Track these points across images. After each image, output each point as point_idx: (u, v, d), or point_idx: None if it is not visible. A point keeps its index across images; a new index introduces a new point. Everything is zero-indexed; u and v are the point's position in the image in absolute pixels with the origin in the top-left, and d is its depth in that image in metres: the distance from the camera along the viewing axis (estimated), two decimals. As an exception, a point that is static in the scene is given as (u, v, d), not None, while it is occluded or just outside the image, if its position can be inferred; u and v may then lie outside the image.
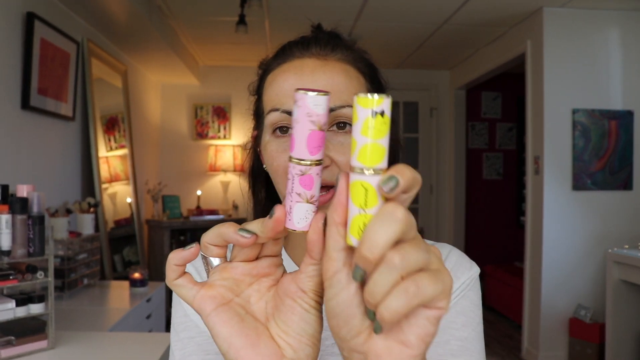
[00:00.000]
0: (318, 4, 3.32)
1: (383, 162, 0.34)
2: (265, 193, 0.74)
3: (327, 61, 0.63)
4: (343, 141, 0.60)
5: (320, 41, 0.64)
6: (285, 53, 0.66)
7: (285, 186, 0.60)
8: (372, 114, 0.34)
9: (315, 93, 0.36)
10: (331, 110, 0.60)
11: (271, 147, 0.63)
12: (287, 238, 0.74)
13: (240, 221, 4.57)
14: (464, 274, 0.73)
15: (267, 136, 0.64)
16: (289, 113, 0.60)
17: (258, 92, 0.70)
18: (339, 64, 0.63)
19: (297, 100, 0.36)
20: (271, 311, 0.42)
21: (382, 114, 0.34)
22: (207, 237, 0.41)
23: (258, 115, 0.70)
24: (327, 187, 0.60)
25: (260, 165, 0.72)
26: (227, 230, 0.39)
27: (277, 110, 0.61)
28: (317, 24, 0.73)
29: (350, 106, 0.60)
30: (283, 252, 0.73)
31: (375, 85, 0.67)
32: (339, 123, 0.61)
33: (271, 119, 0.62)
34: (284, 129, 0.62)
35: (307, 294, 0.40)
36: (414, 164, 5.25)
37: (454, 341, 0.67)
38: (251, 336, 0.40)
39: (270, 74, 0.66)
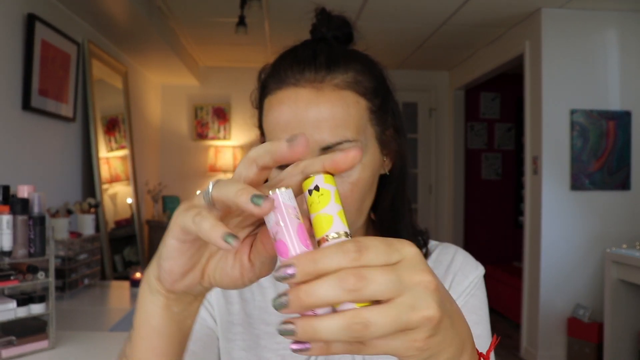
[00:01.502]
0: (317, 5, 3.33)
1: (334, 227, 0.35)
2: None
3: (323, 91, 0.59)
4: (343, 175, 0.59)
5: (317, 61, 0.61)
6: (280, 75, 0.62)
7: None
8: (308, 193, 0.36)
9: (283, 189, 0.35)
10: (327, 147, 0.58)
11: (272, 174, 0.62)
12: None
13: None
14: (471, 272, 0.75)
15: None
16: None
17: (260, 104, 0.67)
18: (335, 93, 0.59)
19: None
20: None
21: (316, 188, 0.36)
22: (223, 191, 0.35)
23: (262, 124, 0.68)
24: None
25: None
26: (238, 197, 0.34)
27: None
28: (322, 9, 0.69)
29: (348, 141, 0.59)
30: None
31: (379, 97, 0.64)
32: None
33: None
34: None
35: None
36: (413, 164, 5.26)
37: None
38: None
39: (268, 97, 0.63)
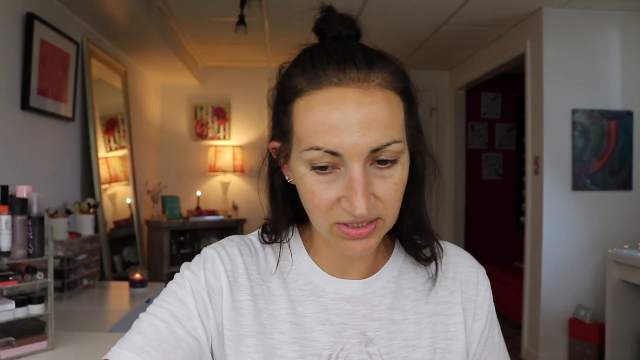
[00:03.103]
0: (317, 4, 3.32)
1: None
2: (281, 199, 0.70)
3: (369, 90, 0.57)
4: (386, 175, 0.59)
5: (357, 61, 0.58)
6: (317, 74, 0.58)
7: (325, 220, 0.61)
8: None
9: None
10: (377, 149, 0.57)
11: (309, 181, 0.60)
12: (312, 243, 0.71)
13: (240, 222, 4.58)
14: (484, 278, 0.76)
15: (302, 168, 0.60)
16: (332, 153, 0.57)
17: (284, 109, 0.63)
18: (380, 92, 0.58)
19: None
20: None
21: None
22: None
23: (282, 131, 0.64)
24: (369, 221, 0.60)
25: (279, 178, 0.69)
26: None
27: (319, 149, 0.57)
28: (329, 7, 0.67)
29: (395, 142, 0.58)
30: (309, 258, 0.71)
31: (409, 97, 0.63)
32: (380, 160, 0.58)
33: (310, 156, 0.58)
34: (324, 167, 0.58)
35: None
36: (413, 164, 5.24)
37: (501, 355, 0.75)
38: None
39: (304, 98, 0.59)
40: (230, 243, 0.71)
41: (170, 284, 0.69)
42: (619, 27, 3.38)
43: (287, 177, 0.67)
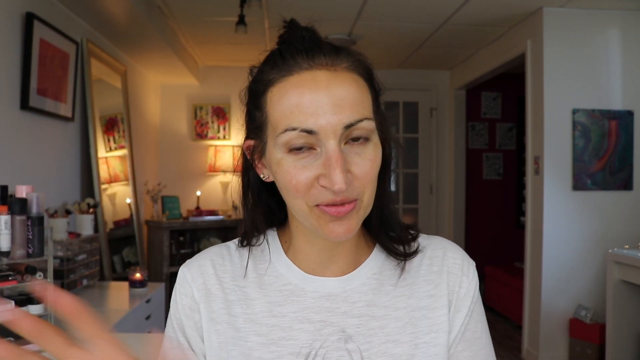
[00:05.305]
0: (317, 4, 3.32)
1: None
2: (252, 201, 0.72)
3: (337, 72, 0.60)
4: (360, 152, 0.61)
5: (323, 48, 0.62)
6: (288, 63, 0.61)
7: (305, 203, 0.61)
8: None
9: None
10: (350, 125, 0.59)
11: (287, 164, 0.61)
12: (291, 243, 0.72)
13: (240, 222, 4.57)
14: (469, 271, 0.73)
15: (279, 153, 0.61)
16: (308, 132, 0.58)
17: (257, 103, 0.66)
18: (348, 74, 0.61)
19: None
20: None
21: None
22: None
23: (256, 126, 0.67)
24: (346, 203, 0.60)
25: (253, 176, 0.71)
26: None
27: (294, 129, 0.59)
28: (291, 20, 0.69)
29: (368, 119, 0.60)
30: (287, 259, 0.71)
31: (373, 86, 0.66)
32: (354, 138, 0.60)
33: (287, 138, 0.60)
34: (300, 148, 0.60)
35: None
36: (413, 164, 5.24)
37: (482, 351, 0.71)
38: None
39: (276, 86, 0.62)
40: (204, 255, 0.73)
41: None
42: (619, 27, 3.38)
43: (262, 176, 0.69)
